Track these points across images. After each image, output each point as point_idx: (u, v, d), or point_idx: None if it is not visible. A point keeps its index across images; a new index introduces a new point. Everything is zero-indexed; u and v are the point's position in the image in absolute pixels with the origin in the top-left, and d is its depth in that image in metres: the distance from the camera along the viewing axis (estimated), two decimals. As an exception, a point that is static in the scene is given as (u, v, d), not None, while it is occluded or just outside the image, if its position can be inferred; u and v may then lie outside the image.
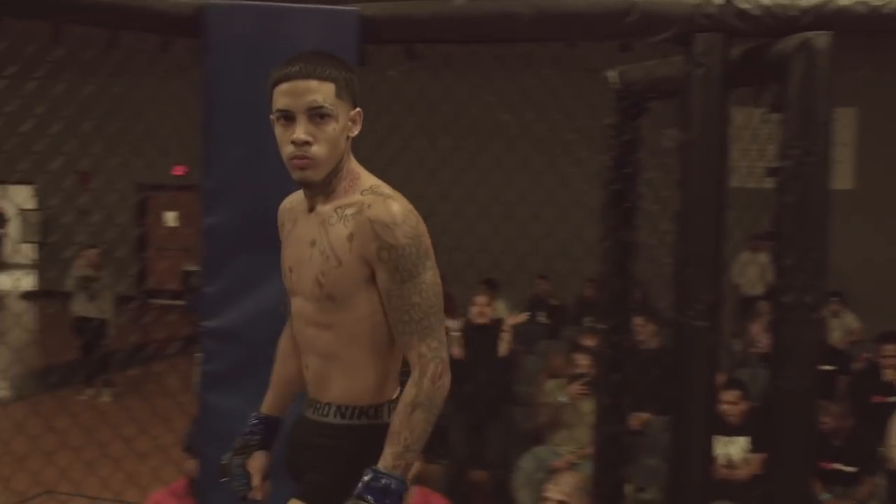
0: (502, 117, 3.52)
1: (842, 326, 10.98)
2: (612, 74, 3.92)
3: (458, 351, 6.65)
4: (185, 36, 3.49)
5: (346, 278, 2.57)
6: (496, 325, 7.11)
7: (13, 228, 18.46)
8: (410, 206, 2.55)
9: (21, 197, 17.20)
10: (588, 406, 6.23)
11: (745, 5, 3.28)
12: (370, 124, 3.58)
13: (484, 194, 3.89)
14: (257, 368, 3.51)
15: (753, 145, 3.43)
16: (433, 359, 2.55)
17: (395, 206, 2.53)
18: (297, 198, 2.77)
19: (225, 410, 3.50)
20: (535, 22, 3.37)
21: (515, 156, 3.06)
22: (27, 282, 16.90)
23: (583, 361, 6.60)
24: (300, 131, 2.48)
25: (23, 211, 17.91)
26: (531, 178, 3.14)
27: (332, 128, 2.51)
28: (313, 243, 2.60)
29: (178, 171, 13.36)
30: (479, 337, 6.91)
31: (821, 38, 3.16)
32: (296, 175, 2.54)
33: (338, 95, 2.52)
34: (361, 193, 2.58)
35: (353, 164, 2.64)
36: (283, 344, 2.98)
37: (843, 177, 13.48)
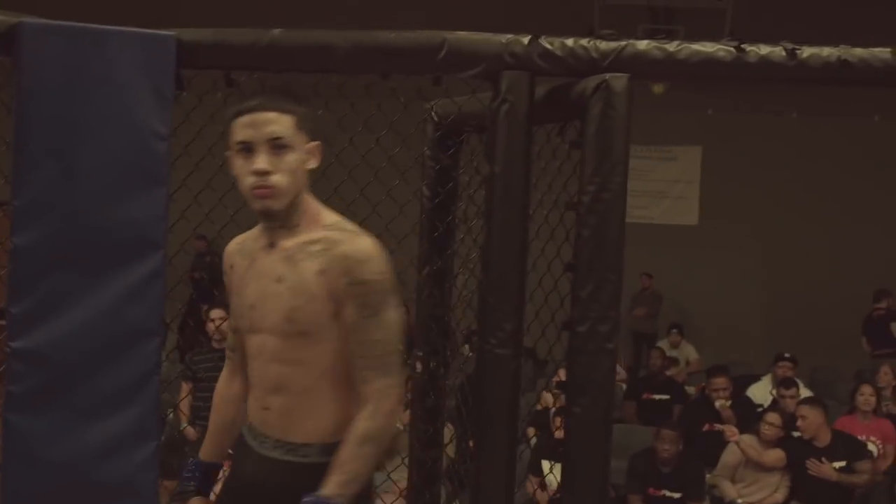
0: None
1: (682, 357, 11.38)
2: (430, 106, 4.03)
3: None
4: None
5: (318, 313, 2.61)
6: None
7: None
8: (378, 243, 2.63)
9: None
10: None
11: (549, 46, 3.42)
12: (183, 147, 3.63)
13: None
14: (65, 391, 3.49)
15: (558, 179, 3.56)
16: (389, 396, 2.61)
17: (366, 242, 2.62)
18: (246, 237, 2.85)
19: (30, 433, 3.46)
20: (351, 54, 3.45)
21: (327, 182, 3.12)
22: None
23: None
24: (260, 161, 2.55)
25: None
26: (343, 205, 3.21)
27: (291, 158, 2.59)
28: (280, 279, 2.65)
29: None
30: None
31: (618, 80, 3.31)
32: (257, 205, 2.60)
33: (297, 127, 2.61)
34: (325, 229, 2.66)
35: (313, 200, 2.72)
36: (222, 389, 3.05)
37: (688, 213, 14.02)
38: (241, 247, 2.87)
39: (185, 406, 6.92)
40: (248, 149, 2.59)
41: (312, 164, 2.71)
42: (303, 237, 2.67)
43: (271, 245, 2.71)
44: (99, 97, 3.45)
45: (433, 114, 4.01)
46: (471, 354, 7.59)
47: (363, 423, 2.59)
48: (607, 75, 3.32)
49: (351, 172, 3.69)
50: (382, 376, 2.61)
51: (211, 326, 6.97)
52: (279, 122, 2.59)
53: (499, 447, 3.48)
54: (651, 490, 7.35)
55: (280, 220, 2.66)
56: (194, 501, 2.99)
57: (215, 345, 6.93)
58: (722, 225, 13.52)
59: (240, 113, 2.62)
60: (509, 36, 3.43)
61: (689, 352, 11.71)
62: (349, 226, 2.70)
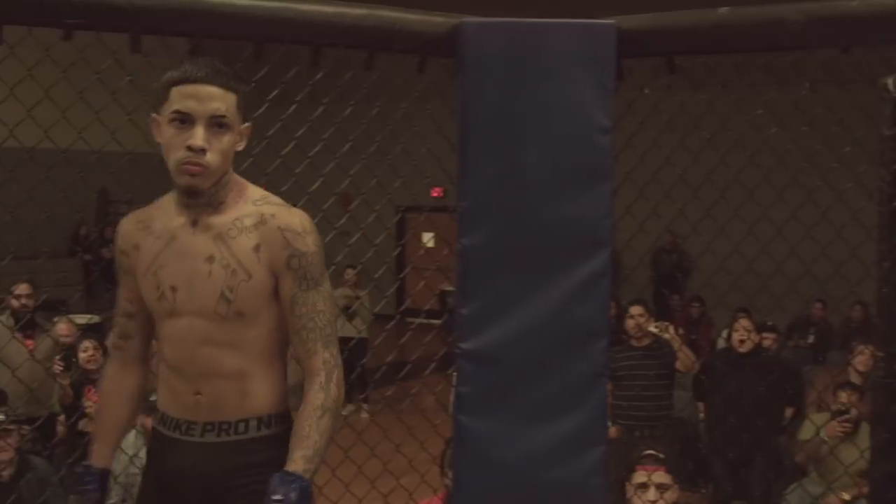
0: (770, 131, 3.31)
1: None
2: (890, 81, 3.62)
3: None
4: (441, 55, 3.47)
5: (255, 291, 2.55)
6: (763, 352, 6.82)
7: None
8: (308, 216, 2.62)
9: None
10: (848, 447, 5.73)
11: None
12: (628, 140, 3.47)
13: (751, 213, 3.67)
14: (514, 393, 3.45)
15: None
16: (336, 365, 2.60)
17: (301, 214, 2.60)
18: (148, 216, 2.70)
19: (479, 433, 3.45)
20: (807, 28, 3.15)
21: (785, 172, 2.86)
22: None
23: (844, 398, 6.15)
24: (199, 137, 2.45)
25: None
26: (803, 195, 2.94)
27: (228, 139, 2.51)
28: (211, 259, 2.55)
29: (436, 192, 13.67)
30: (745, 364, 6.64)
31: None
32: (183, 181, 2.51)
33: (237, 107, 2.51)
34: (254, 204, 2.59)
35: (237, 176, 2.64)
36: (111, 385, 2.82)
37: None
38: (144, 225, 2.68)
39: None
40: (185, 120, 2.47)
41: (241, 146, 2.60)
42: (231, 214, 2.57)
43: (194, 223, 2.58)
44: (541, 93, 3.38)
45: (893, 89, 3.60)
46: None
47: (319, 394, 2.55)
48: None
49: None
50: (327, 346, 2.59)
51: (631, 323, 6.81)
52: (223, 100, 2.48)
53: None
54: None
55: (204, 198, 2.55)
56: None
57: (634, 342, 6.81)
58: None
59: (182, 80, 2.48)
60: None
61: None
62: (277, 199, 2.62)
